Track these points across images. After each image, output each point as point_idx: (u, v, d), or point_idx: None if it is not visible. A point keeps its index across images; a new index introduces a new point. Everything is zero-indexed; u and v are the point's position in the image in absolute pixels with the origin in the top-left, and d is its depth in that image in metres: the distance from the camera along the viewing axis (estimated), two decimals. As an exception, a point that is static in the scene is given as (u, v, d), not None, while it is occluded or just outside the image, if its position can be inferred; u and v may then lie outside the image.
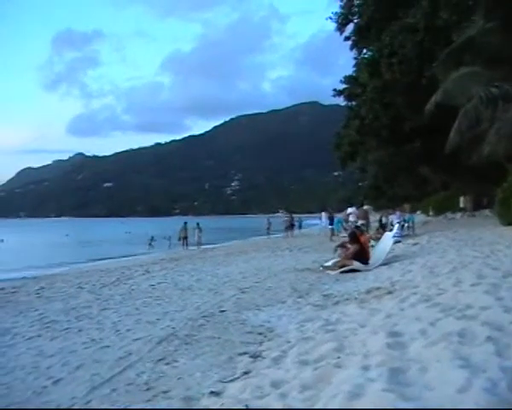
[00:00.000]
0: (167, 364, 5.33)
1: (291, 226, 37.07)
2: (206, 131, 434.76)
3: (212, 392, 4.25)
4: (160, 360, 5.49)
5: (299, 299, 8.55)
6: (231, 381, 4.51)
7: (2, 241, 52.23)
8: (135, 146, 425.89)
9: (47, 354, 6.12)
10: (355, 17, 33.15)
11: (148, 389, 4.58)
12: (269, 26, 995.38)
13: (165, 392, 4.47)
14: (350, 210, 26.89)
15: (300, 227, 43.11)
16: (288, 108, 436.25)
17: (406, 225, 25.39)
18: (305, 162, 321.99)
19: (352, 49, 34.67)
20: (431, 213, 44.95)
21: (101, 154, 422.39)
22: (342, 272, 11.72)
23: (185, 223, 33.49)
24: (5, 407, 4.50)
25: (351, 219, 25.26)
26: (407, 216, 27.41)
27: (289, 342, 5.50)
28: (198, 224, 33.89)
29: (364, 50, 34.07)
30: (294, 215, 42.34)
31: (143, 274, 15.34)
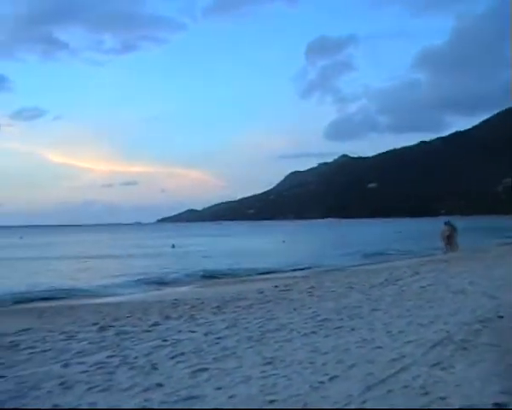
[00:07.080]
0: (443, 369, 5.14)
1: None
2: (474, 126, 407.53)
3: (495, 403, 3.96)
4: (435, 364, 5.32)
5: None
6: (517, 393, 4.15)
7: (284, 242, 56.83)
8: (397, 146, 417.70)
9: (321, 351, 6.34)
10: None
11: (425, 394, 4.46)
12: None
13: (442, 398, 4.31)
14: None
15: None
16: None
17: None
18: None
19: None
20: None
21: (363, 155, 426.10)
22: None
23: (449, 222, 32.12)
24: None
25: None
26: None
27: None
28: (450, 222, 32.07)
29: None
30: None
31: (412, 275, 15.07)
